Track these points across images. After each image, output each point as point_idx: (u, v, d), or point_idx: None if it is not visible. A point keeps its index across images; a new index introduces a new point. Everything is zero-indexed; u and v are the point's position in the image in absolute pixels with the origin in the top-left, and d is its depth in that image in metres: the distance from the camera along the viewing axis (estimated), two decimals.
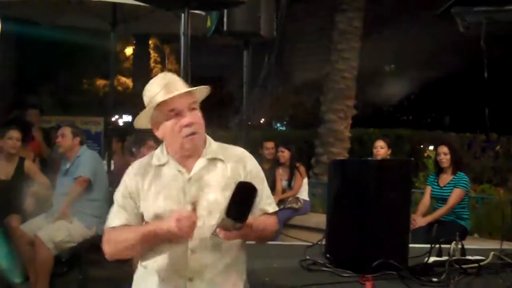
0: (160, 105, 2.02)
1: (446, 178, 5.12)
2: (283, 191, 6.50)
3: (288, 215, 6.37)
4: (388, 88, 17.26)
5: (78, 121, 8.02)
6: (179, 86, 2.06)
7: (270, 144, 6.67)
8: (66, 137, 4.87)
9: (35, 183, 5.04)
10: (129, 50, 20.68)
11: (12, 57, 10.49)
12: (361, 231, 2.37)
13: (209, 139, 2.15)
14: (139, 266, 2.14)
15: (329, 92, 9.59)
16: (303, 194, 6.57)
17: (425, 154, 8.78)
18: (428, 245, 2.51)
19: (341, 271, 2.32)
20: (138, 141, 5.44)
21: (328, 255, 2.52)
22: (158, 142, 2.21)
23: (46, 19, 7.22)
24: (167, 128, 2.04)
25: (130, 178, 2.11)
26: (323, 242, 2.69)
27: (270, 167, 6.42)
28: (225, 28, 4.16)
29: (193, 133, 2.03)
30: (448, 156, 5.09)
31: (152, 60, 20.62)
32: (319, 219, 5.93)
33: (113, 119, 13.16)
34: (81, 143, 4.95)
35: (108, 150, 7.07)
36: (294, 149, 6.63)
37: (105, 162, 6.61)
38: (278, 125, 21.21)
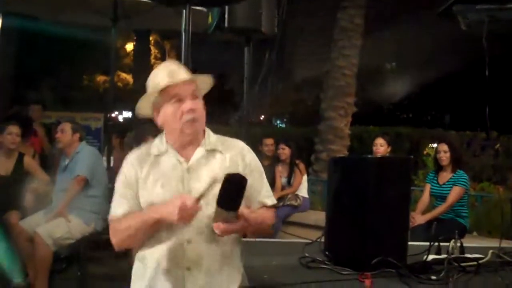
0: (164, 90, 2.04)
1: (445, 176, 5.12)
2: (283, 188, 6.49)
3: (287, 212, 6.38)
4: (389, 86, 17.24)
5: (78, 117, 8.02)
6: (183, 73, 2.09)
7: (269, 141, 6.66)
8: (65, 133, 4.86)
9: (34, 179, 5.04)
10: (129, 46, 20.65)
11: (13, 52, 10.47)
12: (360, 229, 2.37)
13: (208, 131, 2.18)
14: (136, 260, 2.15)
15: (329, 89, 9.59)
16: (303, 191, 6.57)
17: (425, 152, 8.78)
18: (427, 243, 2.51)
19: (340, 269, 2.32)
20: (138, 137, 5.44)
21: (327, 253, 2.52)
22: None
23: (47, 14, 7.19)
24: (168, 112, 2.06)
25: (128, 167, 2.13)
26: (322, 240, 2.69)
27: (269, 164, 6.40)
28: (226, 24, 4.17)
29: (193, 120, 2.05)
30: (448, 154, 5.09)
31: (152, 56, 20.58)
32: (319, 217, 5.94)
33: (113, 115, 13.14)
34: (81, 139, 4.94)
35: (108, 146, 7.07)
36: (293, 146, 6.63)
37: (104, 158, 6.60)
38: (278, 122, 21.21)
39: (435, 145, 6.96)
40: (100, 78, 19.98)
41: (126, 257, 2.20)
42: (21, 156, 5.12)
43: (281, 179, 6.50)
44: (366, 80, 13.02)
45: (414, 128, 12.79)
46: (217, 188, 1.91)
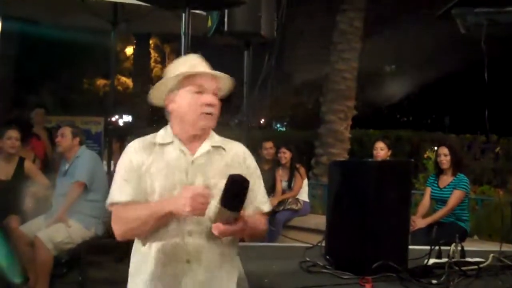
0: (187, 78, 2.05)
1: (446, 179, 5.12)
2: (283, 192, 6.48)
3: (288, 216, 6.37)
4: (388, 89, 17.26)
5: (78, 121, 8.01)
6: (208, 68, 2.13)
7: (269, 144, 6.64)
8: (65, 137, 4.86)
9: (35, 184, 5.04)
10: (129, 50, 20.67)
11: (13, 56, 10.48)
12: (361, 233, 2.36)
13: (212, 131, 2.19)
14: (136, 253, 2.12)
15: (329, 92, 9.59)
16: (303, 195, 6.56)
17: (425, 155, 8.78)
18: (428, 247, 2.51)
19: (341, 273, 2.31)
20: None
21: (327, 257, 2.51)
22: None
23: (47, 18, 7.22)
24: (186, 101, 2.06)
25: (133, 153, 2.09)
26: (323, 244, 2.69)
27: (270, 168, 6.40)
28: (225, 28, 4.16)
29: (211, 114, 2.07)
30: (448, 158, 5.08)
31: (152, 60, 20.62)
32: (319, 221, 5.93)
33: (113, 119, 13.15)
34: (81, 143, 4.94)
35: (108, 150, 7.07)
36: (294, 150, 6.62)
37: (105, 162, 6.60)
38: (278, 125, 21.23)
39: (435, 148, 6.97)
40: (100, 82, 20.01)
41: (126, 261, 2.18)
42: (21, 160, 5.11)
43: (282, 183, 6.49)
44: (366, 83, 13.02)
45: (414, 131, 12.80)
46: (214, 181, 1.90)
